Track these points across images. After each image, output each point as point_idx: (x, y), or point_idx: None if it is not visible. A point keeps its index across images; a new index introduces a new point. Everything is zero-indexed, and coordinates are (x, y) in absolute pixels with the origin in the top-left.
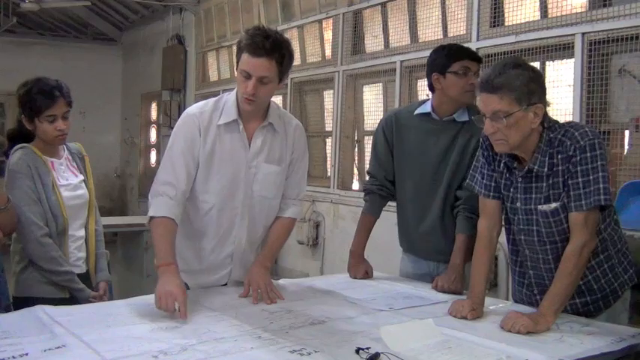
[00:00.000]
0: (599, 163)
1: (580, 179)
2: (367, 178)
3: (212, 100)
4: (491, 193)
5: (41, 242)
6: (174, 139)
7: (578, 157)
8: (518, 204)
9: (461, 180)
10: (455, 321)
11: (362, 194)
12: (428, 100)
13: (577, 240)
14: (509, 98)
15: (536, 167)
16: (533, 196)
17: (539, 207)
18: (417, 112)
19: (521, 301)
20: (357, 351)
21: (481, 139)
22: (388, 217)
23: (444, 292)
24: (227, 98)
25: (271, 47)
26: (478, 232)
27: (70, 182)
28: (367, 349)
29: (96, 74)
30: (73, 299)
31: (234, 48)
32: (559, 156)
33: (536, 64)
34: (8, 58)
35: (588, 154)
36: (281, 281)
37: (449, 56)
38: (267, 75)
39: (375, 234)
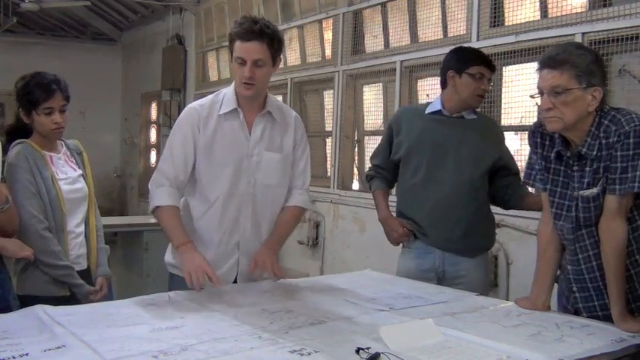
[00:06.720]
0: None
1: (619, 164)
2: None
3: (211, 95)
4: (547, 187)
5: (42, 235)
6: (174, 130)
7: (622, 142)
8: (568, 191)
9: (482, 169)
10: (455, 321)
11: (362, 194)
12: (433, 100)
13: (611, 234)
14: (569, 74)
15: (584, 150)
16: (576, 183)
17: (581, 192)
18: (427, 111)
19: (562, 295)
20: (357, 351)
21: (529, 132)
22: None
23: None
24: (225, 91)
25: (260, 30)
26: (544, 228)
27: (69, 176)
28: (367, 349)
29: (96, 74)
30: (73, 297)
31: None
32: (603, 141)
33: (536, 65)
34: (8, 58)
35: (631, 140)
36: (281, 281)
37: (468, 58)
38: (261, 57)
39: (374, 234)
